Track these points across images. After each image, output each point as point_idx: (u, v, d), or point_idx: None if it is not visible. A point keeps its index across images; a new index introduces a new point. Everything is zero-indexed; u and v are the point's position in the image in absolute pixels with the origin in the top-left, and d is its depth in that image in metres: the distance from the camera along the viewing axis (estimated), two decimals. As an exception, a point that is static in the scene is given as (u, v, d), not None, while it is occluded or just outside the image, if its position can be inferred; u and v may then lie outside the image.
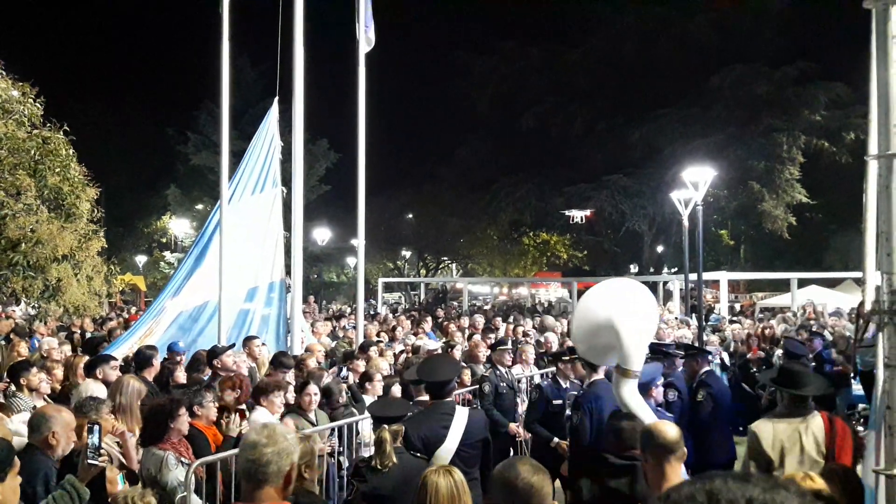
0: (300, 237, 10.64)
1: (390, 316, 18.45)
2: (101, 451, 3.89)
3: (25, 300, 10.17)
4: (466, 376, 8.55)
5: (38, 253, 9.22)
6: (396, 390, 7.61)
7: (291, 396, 6.62)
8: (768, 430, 5.07)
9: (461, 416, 5.03)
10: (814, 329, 13.16)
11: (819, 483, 3.75)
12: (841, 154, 29.20)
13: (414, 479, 4.39)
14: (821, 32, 30.44)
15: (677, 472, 3.92)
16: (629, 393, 5.08)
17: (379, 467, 4.53)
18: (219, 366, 7.89)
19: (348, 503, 4.72)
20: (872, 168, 3.52)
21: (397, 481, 4.46)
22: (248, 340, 9.71)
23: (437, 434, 4.92)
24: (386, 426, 4.67)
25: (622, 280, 6.12)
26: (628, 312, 5.08)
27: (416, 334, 13.51)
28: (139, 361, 7.88)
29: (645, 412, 5.08)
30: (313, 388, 6.77)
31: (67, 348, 10.45)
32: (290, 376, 7.65)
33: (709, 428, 7.09)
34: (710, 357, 8.57)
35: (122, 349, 10.09)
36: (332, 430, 6.49)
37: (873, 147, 3.43)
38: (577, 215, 32.29)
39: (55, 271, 9.43)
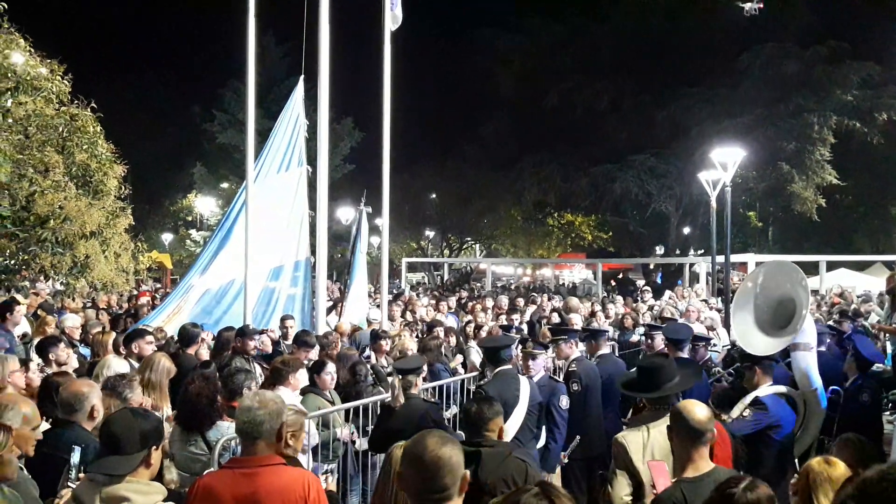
0: (325, 216, 10.62)
1: (414, 296, 18.47)
2: (82, 472, 3.68)
3: (54, 276, 10.26)
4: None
5: (67, 229, 9.30)
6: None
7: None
8: (638, 441, 4.38)
9: (525, 382, 6.19)
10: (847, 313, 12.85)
11: (840, 469, 3.53)
12: (872, 135, 28.54)
13: (416, 417, 5.31)
14: (852, 11, 29.74)
15: (704, 456, 3.73)
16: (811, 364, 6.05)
17: (393, 406, 5.57)
18: (238, 346, 7.92)
19: (373, 441, 5.82)
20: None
21: (404, 420, 5.34)
22: (283, 320, 9.95)
23: (514, 396, 5.98)
24: (400, 376, 5.61)
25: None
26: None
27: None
28: (184, 339, 8.15)
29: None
30: (332, 368, 6.75)
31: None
32: (314, 354, 7.67)
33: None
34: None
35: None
36: (356, 409, 6.49)
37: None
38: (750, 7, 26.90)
39: (83, 248, 9.51)
